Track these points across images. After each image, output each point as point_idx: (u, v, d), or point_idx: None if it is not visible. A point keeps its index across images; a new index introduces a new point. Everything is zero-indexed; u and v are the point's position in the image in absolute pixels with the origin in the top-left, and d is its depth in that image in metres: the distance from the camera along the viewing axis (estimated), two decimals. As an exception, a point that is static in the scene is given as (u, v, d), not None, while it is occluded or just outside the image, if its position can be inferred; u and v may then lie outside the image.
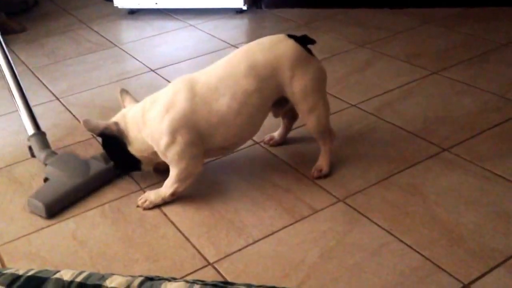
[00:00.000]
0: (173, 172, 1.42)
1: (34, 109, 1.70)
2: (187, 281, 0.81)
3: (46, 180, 1.54)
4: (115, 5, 2.99)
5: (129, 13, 3.01)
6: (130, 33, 2.78)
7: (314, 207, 1.41)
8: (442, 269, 1.19)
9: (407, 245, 1.27)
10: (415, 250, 1.25)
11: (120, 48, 2.58)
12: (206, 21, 2.83)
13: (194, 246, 1.32)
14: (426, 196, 1.43)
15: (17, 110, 1.69)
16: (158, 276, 0.85)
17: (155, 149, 1.41)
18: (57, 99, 2.12)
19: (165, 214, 1.44)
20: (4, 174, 1.67)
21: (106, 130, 1.42)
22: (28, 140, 1.64)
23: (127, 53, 2.52)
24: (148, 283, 0.82)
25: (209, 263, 1.26)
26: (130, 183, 1.57)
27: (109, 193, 1.53)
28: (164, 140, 1.37)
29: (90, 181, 1.53)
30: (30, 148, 1.64)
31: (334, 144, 1.55)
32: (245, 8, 2.88)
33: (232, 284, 0.80)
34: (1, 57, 1.73)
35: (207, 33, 2.67)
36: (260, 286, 0.79)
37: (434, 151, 1.61)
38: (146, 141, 1.41)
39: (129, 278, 0.84)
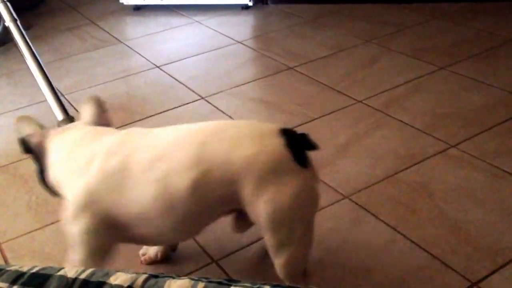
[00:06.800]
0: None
1: (40, 106, 1.71)
2: (191, 279, 0.80)
3: None
4: (120, 2, 2.98)
5: (134, 10, 3.01)
6: (135, 30, 2.77)
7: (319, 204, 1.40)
8: (450, 267, 1.18)
9: (414, 242, 1.26)
10: (422, 248, 1.24)
11: (125, 45, 2.57)
12: (211, 17, 2.81)
13: (198, 244, 1.31)
14: (433, 193, 1.41)
15: (22, 107, 1.70)
16: (163, 274, 0.84)
17: None
18: (62, 95, 2.12)
19: (170, 211, 1.43)
20: (9, 171, 1.67)
21: (24, 140, 1.11)
22: (58, 125, 1.69)
23: (132, 49, 2.51)
24: (152, 281, 0.81)
25: (214, 261, 1.25)
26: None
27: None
28: (68, 210, 1.01)
29: None
30: None
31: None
32: (250, 4, 2.86)
33: (237, 281, 0.79)
34: (25, 50, 1.76)
35: (213, 29, 2.66)
36: (266, 283, 0.78)
37: (441, 148, 1.59)
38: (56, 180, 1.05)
39: (133, 275, 0.83)
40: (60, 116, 1.71)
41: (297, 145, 0.96)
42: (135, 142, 1.00)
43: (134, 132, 1.04)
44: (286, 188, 0.94)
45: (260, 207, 0.94)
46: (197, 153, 0.94)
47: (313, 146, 0.99)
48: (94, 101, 1.14)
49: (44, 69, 1.77)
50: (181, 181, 0.94)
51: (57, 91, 1.75)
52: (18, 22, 1.80)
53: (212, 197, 0.96)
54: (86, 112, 1.13)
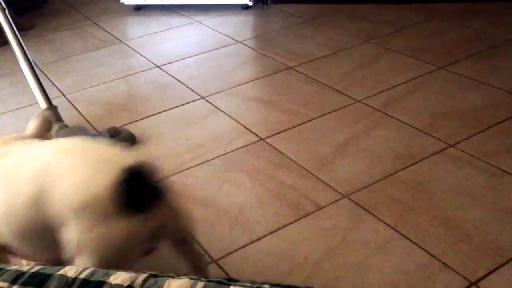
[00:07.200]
0: None
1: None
2: (191, 278, 0.80)
3: None
4: (121, 2, 2.99)
5: (135, 9, 3.01)
6: (136, 30, 2.78)
7: (318, 203, 1.41)
8: (448, 267, 1.19)
9: (412, 242, 1.26)
10: (420, 247, 1.24)
11: (126, 45, 2.58)
12: (212, 17, 2.82)
13: (198, 243, 1.32)
14: (432, 193, 1.41)
15: (23, 107, 1.71)
16: (162, 273, 0.85)
17: None
18: (63, 95, 2.13)
19: (170, 211, 1.43)
20: (10, 170, 1.68)
21: None
22: None
23: (133, 49, 2.52)
24: (152, 280, 0.82)
25: (213, 260, 1.26)
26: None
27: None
28: None
29: None
30: None
31: None
32: (251, 3, 2.86)
33: (236, 281, 0.80)
34: (14, 41, 1.79)
35: (213, 29, 2.66)
36: (265, 283, 0.79)
37: (440, 147, 1.60)
38: None
39: (133, 274, 0.83)
40: (43, 105, 1.77)
41: (140, 186, 0.90)
42: (9, 157, 1.04)
43: (24, 147, 1.07)
44: (97, 230, 0.89)
45: (65, 241, 0.92)
46: (35, 173, 0.95)
47: (161, 194, 0.93)
48: (41, 119, 1.19)
49: (31, 61, 1.80)
50: (20, 197, 0.96)
51: (41, 80, 1.80)
52: (7, 12, 1.83)
53: (46, 217, 0.95)
54: (30, 126, 1.18)
